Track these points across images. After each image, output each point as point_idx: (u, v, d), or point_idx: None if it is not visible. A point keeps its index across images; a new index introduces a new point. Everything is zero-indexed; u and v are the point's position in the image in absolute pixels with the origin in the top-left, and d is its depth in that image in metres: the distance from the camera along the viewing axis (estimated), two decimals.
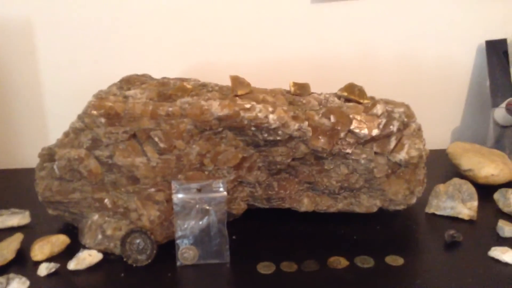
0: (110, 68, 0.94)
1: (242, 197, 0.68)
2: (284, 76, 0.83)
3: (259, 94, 0.64)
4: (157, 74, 0.75)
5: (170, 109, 0.62)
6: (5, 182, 0.89)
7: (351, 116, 0.64)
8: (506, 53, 0.98)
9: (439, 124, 1.05)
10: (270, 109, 0.61)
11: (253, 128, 0.62)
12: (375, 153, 0.65)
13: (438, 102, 1.03)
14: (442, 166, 0.92)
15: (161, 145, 0.62)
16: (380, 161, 0.66)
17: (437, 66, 1.01)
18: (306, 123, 0.62)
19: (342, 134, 0.64)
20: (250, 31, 0.94)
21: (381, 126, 0.64)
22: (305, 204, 0.69)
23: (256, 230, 0.70)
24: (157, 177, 0.63)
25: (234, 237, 0.68)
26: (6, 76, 0.94)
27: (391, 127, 0.65)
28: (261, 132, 0.62)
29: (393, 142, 0.66)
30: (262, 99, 0.63)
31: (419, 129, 0.69)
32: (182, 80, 0.71)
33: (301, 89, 0.67)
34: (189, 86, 0.65)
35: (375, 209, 0.69)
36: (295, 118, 0.62)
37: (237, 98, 0.63)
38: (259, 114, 0.60)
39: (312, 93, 0.68)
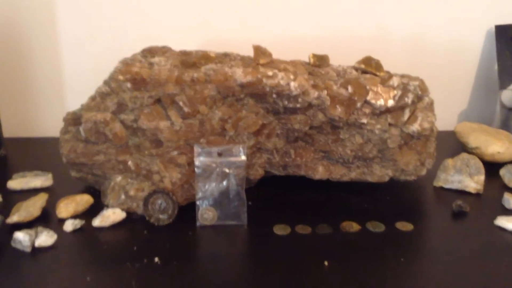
0: (128, 43, 0.96)
1: (260, 163, 0.70)
2: (301, 52, 0.86)
3: (280, 63, 0.67)
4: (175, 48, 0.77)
5: (195, 75, 0.64)
6: (27, 149, 0.91)
7: (367, 87, 0.66)
8: None
9: (447, 105, 1.08)
10: (292, 76, 0.64)
11: (274, 95, 0.64)
12: (389, 124, 0.68)
13: (447, 84, 1.06)
14: (450, 144, 0.95)
15: (185, 109, 0.65)
16: (394, 132, 0.69)
17: (447, 49, 1.03)
18: (325, 92, 0.65)
19: (358, 104, 0.66)
20: (267, 9, 0.96)
21: (396, 98, 0.67)
22: (320, 172, 0.72)
23: (271, 197, 0.73)
24: (180, 140, 0.66)
25: (250, 203, 0.71)
26: (26, 49, 0.96)
27: (406, 99, 0.67)
28: (282, 99, 0.65)
29: (407, 114, 0.69)
30: (284, 68, 0.65)
31: (431, 103, 0.71)
32: (204, 51, 0.73)
33: (321, 60, 0.69)
34: (213, 55, 0.67)
35: (386, 179, 0.72)
36: (314, 86, 0.64)
37: (259, 66, 0.65)
38: (281, 82, 0.63)
39: (331, 64, 0.70)
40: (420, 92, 0.69)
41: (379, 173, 0.72)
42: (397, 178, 0.73)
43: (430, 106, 0.71)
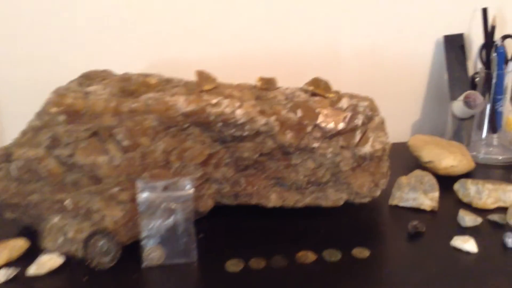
0: (68, 64, 0.90)
1: (209, 194, 0.67)
2: (248, 71, 0.83)
3: (225, 89, 0.63)
4: (118, 71, 0.73)
5: (134, 105, 0.60)
6: None
7: (317, 110, 0.64)
8: (463, 47, 1.01)
9: (399, 117, 1.07)
10: (237, 104, 0.60)
11: (220, 124, 0.61)
12: (341, 147, 0.66)
13: (399, 96, 1.05)
14: (403, 158, 0.94)
15: (125, 142, 0.60)
16: (346, 154, 0.66)
17: (397, 61, 1.03)
18: (273, 117, 0.62)
19: (309, 129, 0.64)
20: (213, 26, 0.93)
21: (346, 120, 0.65)
22: (273, 200, 0.69)
23: (223, 227, 0.70)
24: (120, 176, 0.61)
25: (201, 235, 0.67)
26: None
27: (356, 120, 0.65)
28: (228, 128, 0.61)
29: (358, 135, 0.67)
30: (229, 94, 0.62)
31: (382, 122, 0.70)
32: (145, 75, 0.69)
33: (268, 83, 0.66)
34: (153, 81, 0.63)
35: (341, 203, 0.70)
36: (262, 113, 0.61)
37: (203, 93, 0.62)
38: (226, 109, 0.60)
39: (279, 87, 0.68)
40: (370, 112, 0.67)
41: (334, 197, 0.69)
42: (351, 201, 0.71)
43: (381, 125, 0.69)
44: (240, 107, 0.60)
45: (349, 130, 0.65)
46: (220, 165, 0.65)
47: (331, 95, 0.66)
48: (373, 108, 0.67)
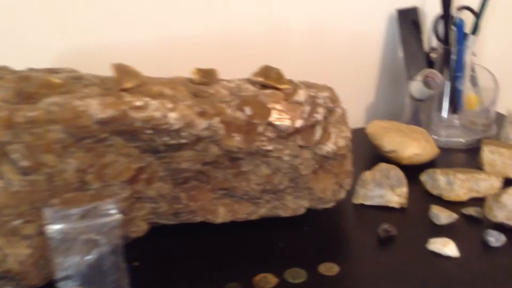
0: None
1: (142, 215, 0.54)
2: (183, 61, 0.70)
3: (153, 86, 0.50)
4: (20, 66, 0.57)
5: (32, 113, 0.45)
6: None
7: (269, 106, 0.52)
8: (417, 21, 0.93)
9: (353, 100, 0.98)
10: (169, 105, 0.47)
11: (148, 131, 0.48)
12: (300, 146, 0.55)
13: (351, 77, 0.96)
14: (362, 148, 0.86)
15: (24, 163, 0.46)
16: (306, 155, 0.56)
17: (347, 39, 0.93)
18: (217, 119, 0.50)
19: (260, 129, 0.52)
20: (136, 5, 0.78)
21: (305, 115, 0.54)
22: (222, 214, 0.57)
23: (163, 250, 0.57)
24: (22, 204, 0.47)
25: (135, 263, 0.55)
26: None
27: (316, 115, 0.55)
28: (160, 135, 0.48)
29: (318, 132, 0.56)
30: (158, 92, 0.49)
31: (344, 114, 0.60)
32: (51, 71, 0.54)
33: (207, 76, 0.54)
34: (57, 81, 0.49)
35: (302, 211, 0.60)
36: (202, 114, 0.49)
37: (124, 93, 0.48)
38: (155, 113, 0.47)
39: (221, 80, 0.55)
40: (331, 104, 0.56)
41: (293, 206, 0.59)
42: (314, 207, 0.60)
43: (343, 118, 0.59)
44: (173, 109, 0.47)
45: (308, 127, 0.55)
46: (153, 181, 0.52)
47: (284, 86, 0.54)
48: (334, 99, 0.56)
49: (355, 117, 0.99)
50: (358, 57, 0.95)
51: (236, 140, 0.51)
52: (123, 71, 0.49)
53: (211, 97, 0.52)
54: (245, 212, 0.58)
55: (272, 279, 0.53)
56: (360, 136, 0.88)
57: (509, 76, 0.95)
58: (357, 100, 0.99)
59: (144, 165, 0.51)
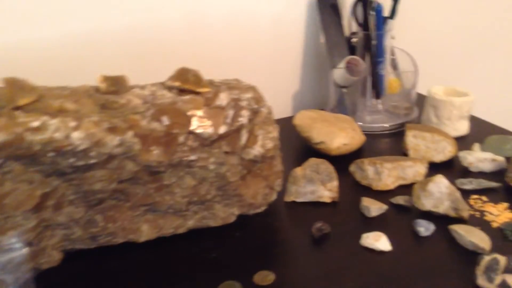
0: None
1: (54, 244, 0.48)
2: (86, 65, 0.63)
3: (52, 100, 0.44)
4: None
5: None
6: None
7: (189, 113, 0.48)
8: (336, 6, 0.91)
9: (278, 90, 0.96)
10: (72, 123, 0.42)
11: (51, 154, 0.42)
12: (225, 153, 0.51)
13: (274, 67, 0.93)
14: (290, 139, 0.84)
15: None
16: (233, 161, 0.52)
17: (268, 28, 0.90)
18: (130, 133, 0.45)
19: (181, 139, 0.48)
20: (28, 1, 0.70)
21: (228, 120, 0.50)
22: (145, 232, 0.52)
23: (82, 275, 0.52)
24: None
25: None
26: None
27: (240, 119, 0.51)
28: (65, 158, 0.43)
29: (244, 135, 0.53)
30: (58, 108, 0.43)
31: (269, 112, 0.57)
32: None
33: (116, 84, 0.48)
34: None
35: (233, 219, 0.56)
36: (112, 130, 0.44)
37: (18, 112, 0.42)
38: (56, 135, 0.41)
39: (132, 87, 0.50)
40: (255, 105, 0.53)
41: (223, 215, 0.55)
42: (245, 213, 0.58)
43: (269, 117, 0.56)
44: (77, 127, 0.42)
45: (233, 132, 0.51)
46: (62, 206, 0.46)
47: (204, 90, 0.50)
48: (258, 99, 0.53)
49: (282, 107, 0.97)
50: (280, 45, 0.92)
51: (155, 154, 0.46)
52: (16, 86, 0.43)
53: (122, 108, 0.46)
54: (172, 226, 0.54)
55: None
56: (288, 127, 0.86)
57: (427, 58, 0.97)
58: (282, 90, 0.97)
59: (50, 190, 0.45)
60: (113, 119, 0.44)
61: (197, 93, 0.50)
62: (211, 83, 0.53)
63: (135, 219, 0.51)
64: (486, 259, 0.49)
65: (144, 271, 0.52)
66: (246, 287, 0.51)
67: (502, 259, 0.48)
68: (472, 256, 0.54)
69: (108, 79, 0.47)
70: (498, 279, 0.47)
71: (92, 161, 0.43)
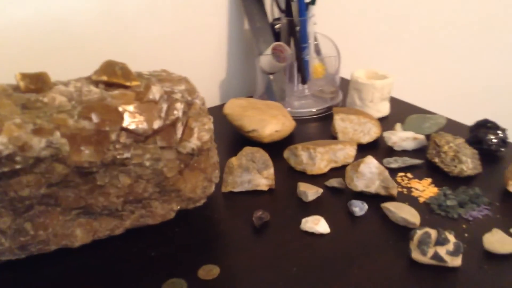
0: None
1: None
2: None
3: None
4: None
5: None
6: None
7: (120, 109, 0.45)
8: None
9: (206, 80, 0.95)
10: None
11: None
12: (161, 148, 0.50)
13: (200, 55, 0.92)
14: (222, 128, 0.83)
15: None
16: (169, 156, 0.51)
17: (193, 18, 0.88)
18: (58, 134, 0.41)
19: (113, 136, 0.45)
20: None
21: (162, 114, 0.48)
22: (80, 237, 0.50)
23: (12, 282, 0.48)
24: None
25: None
26: None
27: (175, 112, 0.49)
28: None
29: (179, 129, 0.51)
30: None
31: (203, 104, 0.55)
32: None
33: (36, 81, 0.44)
34: None
35: (172, 215, 0.55)
36: (38, 132, 0.40)
37: None
38: None
39: (55, 84, 0.46)
40: (189, 97, 0.51)
41: (162, 212, 0.54)
42: (185, 208, 0.56)
43: (203, 108, 0.55)
44: None
45: (168, 126, 0.49)
46: None
47: (134, 84, 0.48)
48: (191, 91, 0.52)
49: (209, 96, 0.96)
50: (203, 33, 0.90)
51: (86, 154, 0.43)
52: None
53: (46, 107, 0.43)
54: (108, 228, 0.51)
55: None
56: (218, 116, 0.85)
57: (348, 42, 1.00)
58: (208, 78, 0.95)
59: None
60: (38, 120, 0.41)
61: (126, 87, 0.47)
62: (140, 76, 0.51)
63: (67, 224, 0.48)
64: (419, 233, 0.52)
65: (83, 275, 0.49)
66: (191, 283, 0.50)
67: (433, 233, 0.51)
68: (404, 231, 0.57)
69: (27, 77, 0.43)
70: (430, 252, 0.50)
71: (18, 166, 0.40)
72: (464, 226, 0.57)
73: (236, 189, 0.66)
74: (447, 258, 0.50)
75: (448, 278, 0.50)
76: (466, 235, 0.55)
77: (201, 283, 0.50)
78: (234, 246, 0.56)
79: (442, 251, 0.50)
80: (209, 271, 0.52)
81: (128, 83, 0.47)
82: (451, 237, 0.51)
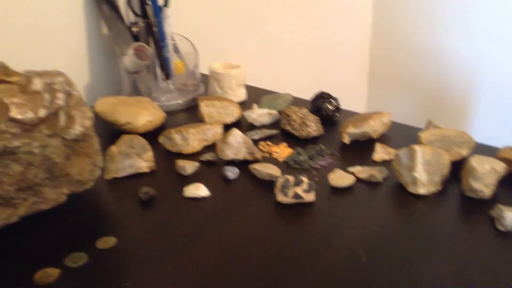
0: None
1: None
2: None
3: None
4: None
5: None
6: None
7: (6, 101, 0.49)
8: (110, 1, 0.97)
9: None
10: None
11: None
12: (48, 135, 0.54)
13: (59, 60, 0.94)
14: (96, 127, 0.87)
15: None
16: (55, 143, 0.55)
17: (45, 21, 0.90)
18: None
19: (2, 127, 0.49)
20: None
21: (46, 103, 0.53)
22: None
23: None
24: None
25: None
26: None
27: (57, 101, 0.54)
28: None
29: (62, 117, 0.56)
30: None
31: (81, 96, 0.61)
32: None
33: None
34: None
35: (64, 199, 0.59)
36: None
37: None
38: None
39: None
40: (68, 88, 0.57)
41: (53, 196, 0.58)
42: (75, 192, 0.61)
43: (82, 100, 0.60)
44: None
45: (52, 115, 0.54)
46: None
47: (15, 79, 0.52)
48: (69, 83, 0.57)
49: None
50: (61, 39, 0.93)
51: None
52: None
53: None
54: (3, 217, 0.54)
55: (53, 271, 0.53)
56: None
57: (203, 41, 1.10)
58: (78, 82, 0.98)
59: None
60: None
61: (9, 83, 0.51)
62: (18, 73, 0.54)
63: None
64: (280, 180, 0.64)
65: None
66: (92, 254, 0.55)
67: (291, 178, 0.64)
68: (270, 184, 0.68)
69: None
70: (291, 193, 0.63)
71: None
72: (314, 173, 0.71)
73: (120, 175, 0.71)
74: (303, 195, 0.63)
75: (306, 211, 0.62)
76: (317, 179, 0.69)
77: (101, 253, 0.56)
78: (126, 220, 0.62)
79: (299, 190, 0.63)
80: (106, 241, 0.58)
81: (9, 79, 0.51)
82: (305, 179, 0.64)
